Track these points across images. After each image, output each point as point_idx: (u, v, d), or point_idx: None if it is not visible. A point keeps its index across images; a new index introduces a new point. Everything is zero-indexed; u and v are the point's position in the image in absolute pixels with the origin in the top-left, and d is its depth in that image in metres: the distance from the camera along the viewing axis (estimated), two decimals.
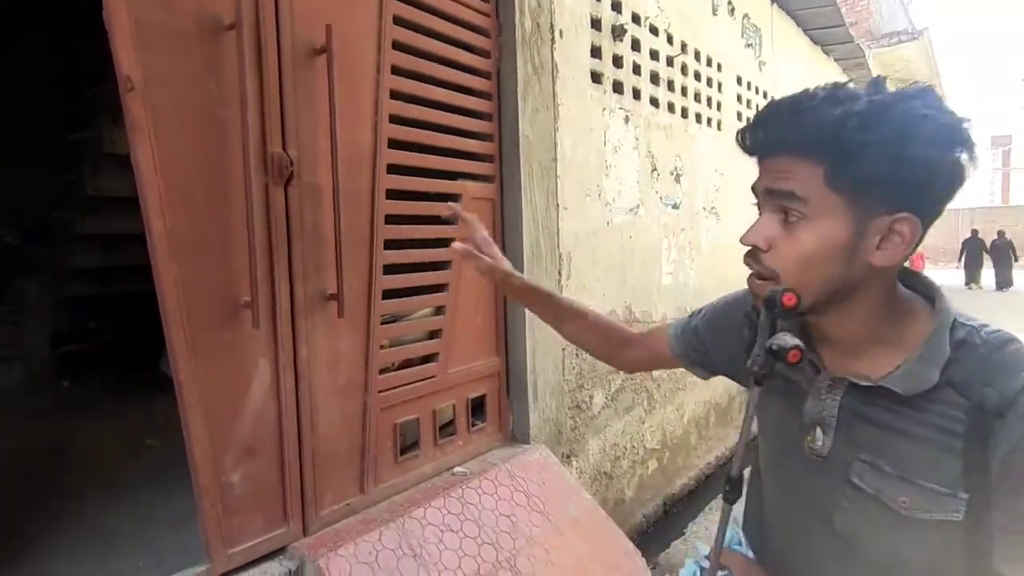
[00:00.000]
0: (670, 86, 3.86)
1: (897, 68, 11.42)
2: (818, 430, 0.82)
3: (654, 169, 3.69)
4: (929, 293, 0.81)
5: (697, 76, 4.21)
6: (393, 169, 2.18)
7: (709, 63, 4.38)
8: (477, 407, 2.64)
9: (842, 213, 0.73)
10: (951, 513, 0.72)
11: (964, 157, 0.71)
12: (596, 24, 3.16)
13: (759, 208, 0.82)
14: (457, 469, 2.44)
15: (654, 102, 3.69)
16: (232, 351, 1.73)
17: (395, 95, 2.18)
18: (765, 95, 5.43)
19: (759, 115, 0.78)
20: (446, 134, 2.41)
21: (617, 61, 3.33)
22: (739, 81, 4.89)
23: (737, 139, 0.81)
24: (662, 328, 1.15)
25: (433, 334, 2.40)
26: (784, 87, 5.83)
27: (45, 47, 4.48)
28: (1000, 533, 0.71)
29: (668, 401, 3.96)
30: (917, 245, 0.74)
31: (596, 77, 3.17)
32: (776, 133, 0.75)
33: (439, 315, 2.41)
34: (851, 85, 0.74)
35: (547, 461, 2.67)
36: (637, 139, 3.50)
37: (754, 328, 0.91)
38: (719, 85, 4.53)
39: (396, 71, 2.18)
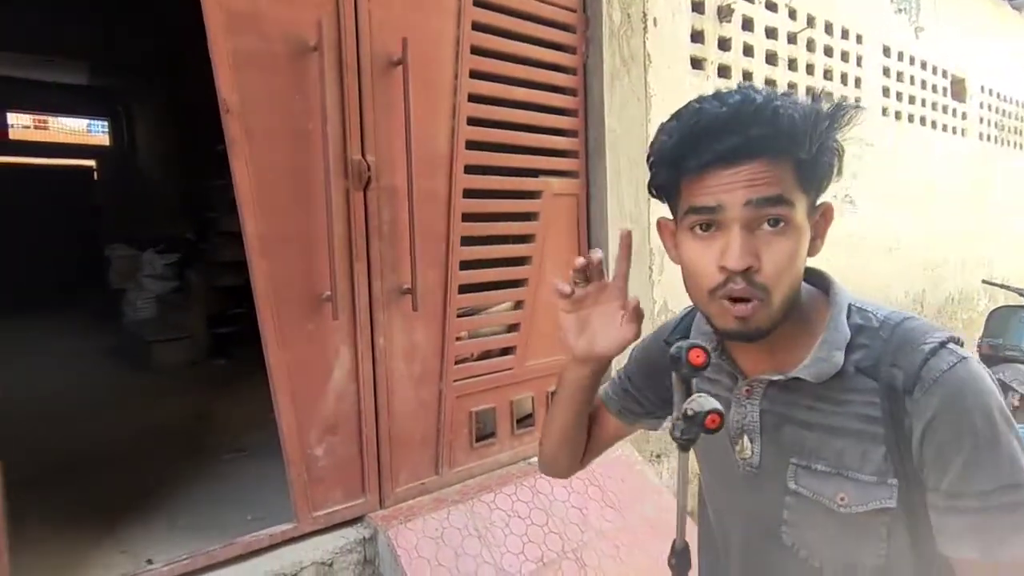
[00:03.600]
0: (791, 65, 3.57)
1: None
2: (745, 439, 0.80)
3: None
4: (822, 283, 0.81)
5: (828, 51, 3.83)
6: (471, 169, 2.28)
7: (844, 35, 3.96)
8: None
9: (804, 212, 0.73)
10: (885, 500, 0.71)
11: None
12: (698, 7, 3.01)
13: (710, 226, 0.73)
14: (533, 459, 2.50)
15: (770, 84, 3.43)
16: (315, 339, 1.94)
17: (473, 98, 2.27)
18: (924, 65, 4.80)
19: (719, 118, 0.70)
20: (527, 132, 2.46)
21: (723, 44, 3.15)
22: (886, 52, 4.37)
23: (681, 150, 0.72)
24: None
25: (511, 328, 2.48)
26: (952, 54, 5.10)
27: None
28: (936, 514, 0.69)
29: None
30: None
31: (697, 63, 3.02)
32: (757, 136, 0.68)
33: (518, 310, 2.48)
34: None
35: (630, 459, 2.64)
36: None
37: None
38: (858, 59, 4.08)
39: (475, 75, 2.27)
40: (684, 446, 0.66)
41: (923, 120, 4.79)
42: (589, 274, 0.83)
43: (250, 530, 1.92)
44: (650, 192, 0.82)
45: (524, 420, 2.55)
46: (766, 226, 0.70)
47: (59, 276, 7.26)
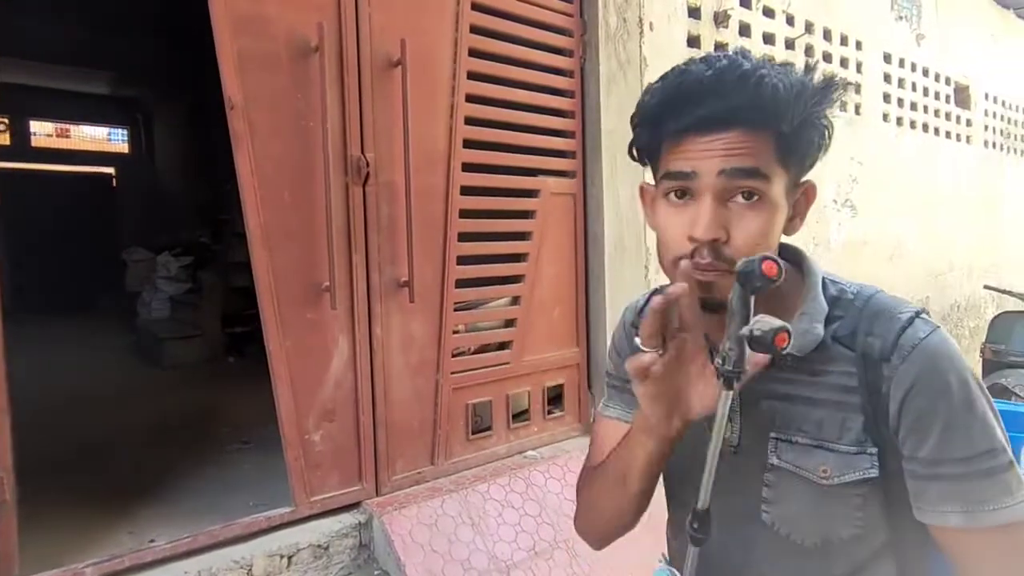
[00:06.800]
0: None
1: None
2: None
3: None
4: (796, 259, 0.79)
5: (827, 57, 3.88)
6: (469, 167, 2.35)
7: (844, 41, 4.01)
8: (557, 396, 2.73)
9: (782, 187, 0.71)
10: (866, 471, 0.70)
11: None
12: (694, 13, 3.08)
13: (684, 193, 0.71)
14: (529, 453, 2.55)
15: None
16: (314, 328, 2.01)
17: (471, 98, 2.35)
18: (926, 72, 4.83)
19: (703, 82, 0.68)
20: (525, 132, 2.53)
21: (720, 49, 3.21)
22: (887, 59, 4.40)
23: (661, 112, 0.71)
24: (602, 424, 0.96)
25: (508, 323, 2.54)
26: (956, 62, 5.12)
27: None
28: (915, 481, 0.69)
29: None
30: None
31: None
32: (737, 104, 0.66)
33: (515, 305, 2.54)
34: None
35: None
36: None
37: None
38: (858, 65, 4.13)
39: (473, 76, 2.35)
40: (731, 381, 0.61)
41: (926, 127, 4.81)
42: (665, 330, 0.67)
43: (250, 513, 1.98)
44: (630, 154, 0.80)
45: (520, 415, 2.60)
46: (740, 198, 0.69)
47: (79, 280, 7.43)
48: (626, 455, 0.77)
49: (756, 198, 0.69)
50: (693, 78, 0.69)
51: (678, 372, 0.68)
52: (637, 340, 0.68)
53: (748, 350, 0.60)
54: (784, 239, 0.77)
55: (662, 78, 0.73)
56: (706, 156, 0.68)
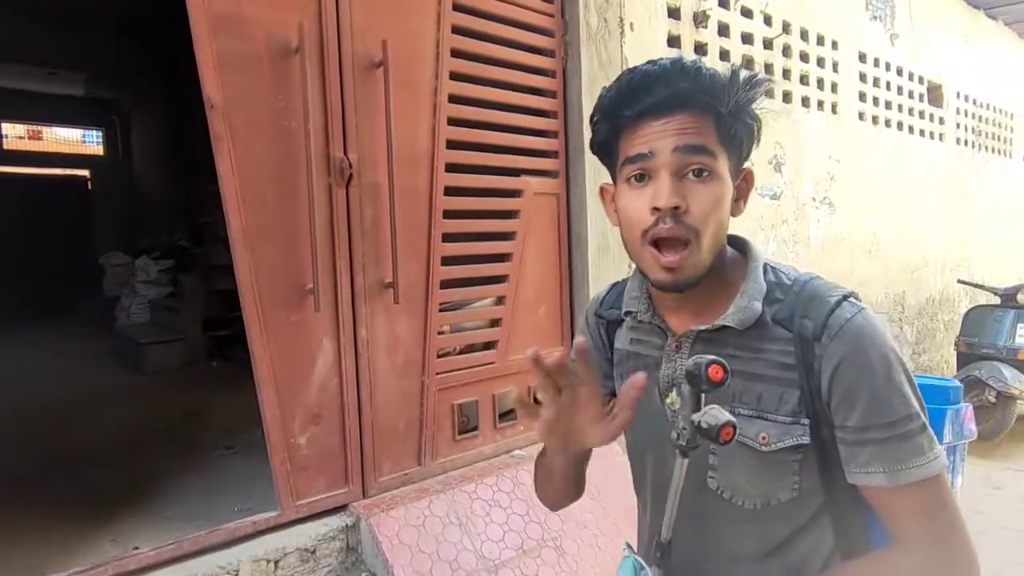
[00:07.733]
0: (767, 70, 3.66)
1: None
2: (674, 392, 0.85)
3: None
4: (742, 247, 0.89)
5: (804, 57, 3.94)
6: (452, 168, 2.35)
7: (820, 42, 4.07)
8: None
9: (726, 167, 0.81)
10: (799, 437, 0.79)
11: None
12: (674, 13, 3.11)
13: (644, 177, 0.79)
14: (516, 452, 2.55)
15: None
16: (298, 330, 2.00)
17: (454, 99, 2.35)
18: (900, 71, 4.92)
19: (651, 74, 0.78)
20: (508, 133, 2.54)
21: (700, 49, 3.25)
22: (862, 58, 4.48)
23: (618, 103, 0.79)
24: None
25: (494, 323, 2.54)
26: (928, 61, 5.23)
27: None
28: (844, 447, 0.78)
29: None
30: None
31: None
32: (684, 89, 0.77)
33: (499, 305, 2.54)
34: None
35: (610, 452, 2.69)
36: None
37: (607, 324, 1.00)
38: (834, 65, 4.19)
39: (455, 77, 2.35)
40: (685, 453, 0.71)
41: (900, 125, 4.90)
42: (558, 378, 0.72)
43: (236, 518, 1.96)
44: (592, 150, 0.89)
45: (507, 414, 2.60)
46: (691, 176, 0.78)
47: (55, 285, 7.30)
48: (547, 461, 0.90)
49: (706, 174, 0.78)
50: (642, 73, 0.80)
51: (572, 416, 0.76)
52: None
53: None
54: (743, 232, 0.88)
55: (616, 80, 0.83)
56: (661, 136, 0.78)
